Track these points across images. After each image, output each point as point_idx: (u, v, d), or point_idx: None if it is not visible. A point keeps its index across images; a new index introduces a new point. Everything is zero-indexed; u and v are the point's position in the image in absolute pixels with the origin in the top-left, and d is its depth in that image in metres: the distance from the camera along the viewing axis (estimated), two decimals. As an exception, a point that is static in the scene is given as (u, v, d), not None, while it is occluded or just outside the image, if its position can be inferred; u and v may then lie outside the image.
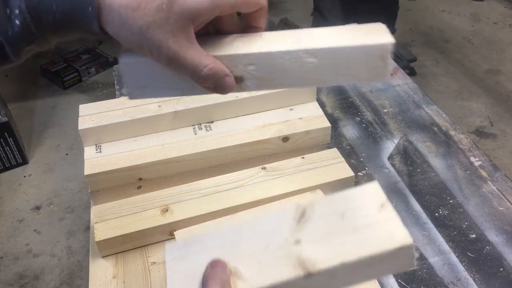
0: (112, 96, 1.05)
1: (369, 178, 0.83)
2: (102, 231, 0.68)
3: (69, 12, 0.35)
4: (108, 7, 0.35)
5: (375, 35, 0.43)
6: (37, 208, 1.80)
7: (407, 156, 0.88)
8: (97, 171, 0.71)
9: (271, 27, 2.86)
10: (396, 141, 0.91)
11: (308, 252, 0.42)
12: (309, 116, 0.81)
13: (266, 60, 0.42)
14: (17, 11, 0.35)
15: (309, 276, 0.40)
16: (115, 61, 2.56)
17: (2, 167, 1.94)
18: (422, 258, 0.70)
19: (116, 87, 1.09)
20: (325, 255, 0.41)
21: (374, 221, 0.44)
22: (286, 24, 2.69)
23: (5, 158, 1.92)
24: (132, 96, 0.44)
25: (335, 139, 0.92)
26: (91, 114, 0.77)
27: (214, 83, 0.39)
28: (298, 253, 0.42)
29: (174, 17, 0.35)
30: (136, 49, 0.38)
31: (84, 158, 0.73)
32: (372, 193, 0.47)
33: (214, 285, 0.38)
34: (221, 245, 0.43)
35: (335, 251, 0.42)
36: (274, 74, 0.42)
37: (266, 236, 0.43)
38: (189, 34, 0.37)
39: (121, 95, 1.05)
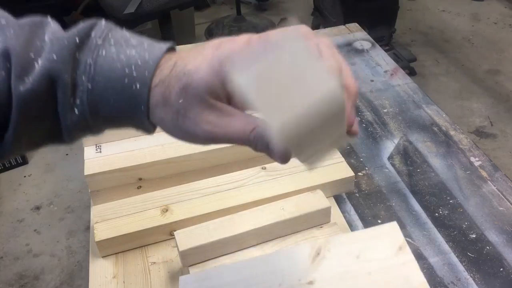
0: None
1: (369, 178, 0.83)
2: (102, 231, 0.68)
3: (125, 107, 0.36)
4: (154, 116, 0.36)
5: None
6: (37, 208, 1.80)
7: (407, 156, 0.88)
8: (97, 171, 0.71)
9: (271, 27, 2.86)
10: (396, 141, 0.91)
11: None
12: (309, 116, 0.81)
13: None
14: (78, 101, 0.36)
15: None
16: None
17: (2, 167, 1.95)
18: (422, 258, 0.70)
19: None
20: None
21: (390, 264, 0.43)
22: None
23: (5, 158, 1.92)
24: None
25: (335, 139, 0.92)
26: (91, 114, 0.77)
27: (266, 146, 0.34)
28: None
29: (193, 102, 0.35)
30: (190, 141, 0.37)
31: (84, 158, 0.73)
32: (390, 233, 0.46)
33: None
34: (234, 282, 0.42)
35: None
36: None
37: (280, 275, 0.42)
38: (221, 110, 0.35)
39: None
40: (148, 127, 0.38)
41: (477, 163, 0.85)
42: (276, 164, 0.78)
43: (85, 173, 0.71)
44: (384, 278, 0.41)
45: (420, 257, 0.70)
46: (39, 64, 0.34)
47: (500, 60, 2.53)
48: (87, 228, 1.52)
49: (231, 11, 3.08)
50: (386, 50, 1.59)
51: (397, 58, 2.30)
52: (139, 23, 1.95)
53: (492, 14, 2.95)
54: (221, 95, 0.35)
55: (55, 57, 0.34)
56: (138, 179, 0.73)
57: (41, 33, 0.36)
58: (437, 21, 2.90)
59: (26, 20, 0.37)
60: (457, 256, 0.70)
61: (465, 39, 2.72)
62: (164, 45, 0.37)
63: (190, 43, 1.21)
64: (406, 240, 0.72)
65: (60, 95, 0.35)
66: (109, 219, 0.70)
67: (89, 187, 0.72)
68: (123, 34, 0.37)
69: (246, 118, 0.35)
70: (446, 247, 0.71)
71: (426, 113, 0.98)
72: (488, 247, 0.71)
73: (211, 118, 0.35)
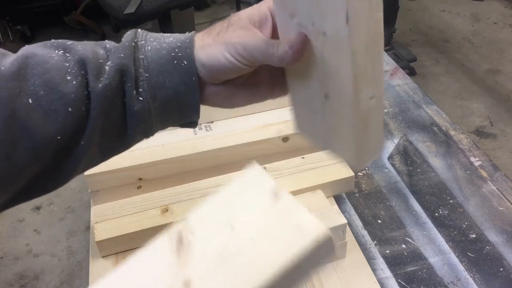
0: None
1: (369, 178, 0.83)
2: (102, 231, 0.68)
3: (178, 84, 0.43)
4: (196, 53, 0.43)
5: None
6: (37, 208, 1.80)
7: (407, 156, 0.88)
8: (97, 171, 0.71)
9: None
10: (396, 141, 0.91)
11: None
12: (309, 116, 0.81)
13: None
14: (141, 89, 0.42)
15: None
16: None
17: (2, 167, 1.94)
18: (422, 258, 0.70)
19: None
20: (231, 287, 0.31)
21: (272, 220, 0.34)
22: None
23: (5, 158, 1.93)
24: None
25: (335, 139, 0.92)
26: (91, 114, 0.77)
27: (284, 47, 0.40)
28: None
29: (234, 23, 0.42)
30: (219, 61, 0.42)
31: (84, 158, 0.73)
32: (257, 182, 0.37)
33: None
34: None
35: (239, 278, 0.31)
36: None
37: None
38: (254, 30, 0.42)
39: (121, 95, 1.05)
40: (196, 104, 0.44)
41: (477, 163, 0.85)
42: (276, 164, 0.78)
43: (85, 173, 0.71)
44: (272, 239, 0.33)
45: (420, 257, 0.70)
46: (110, 64, 0.41)
47: (500, 60, 2.53)
48: (87, 228, 1.52)
49: (231, 10, 3.08)
50: (386, 50, 1.59)
51: (397, 58, 2.30)
52: (139, 23, 1.95)
53: (492, 14, 2.94)
54: (256, 23, 0.42)
55: (122, 55, 0.42)
56: (138, 179, 0.73)
57: (100, 47, 0.43)
58: (437, 21, 2.90)
59: (85, 41, 0.44)
60: (457, 256, 0.70)
61: (465, 39, 2.72)
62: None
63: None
64: (406, 240, 0.73)
65: (127, 87, 0.42)
66: (109, 219, 0.70)
67: (89, 187, 0.72)
68: (158, 34, 0.45)
69: (269, 38, 0.42)
70: (446, 247, 0.71)
71: (426, 113, 0.98)
72: (488, 247, 0.71)
73: (247, 32, 0.41)
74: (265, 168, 0.76)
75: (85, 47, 0.42)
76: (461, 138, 0.91)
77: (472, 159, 0.86)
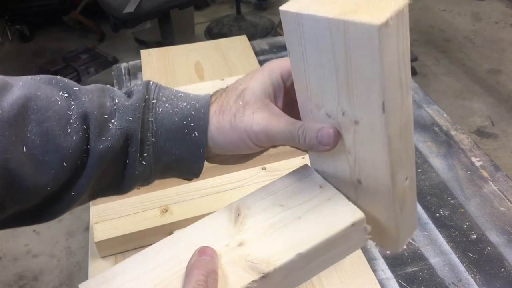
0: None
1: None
2: (101, 231, 0.68)
3: (185, 153, 0.42)
4: (210, 131, 0.42)
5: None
6: (37, 208, 1.80)
7: (408, 156, 0.87)
8: (96, 171, 0.70)
9: (271, 27, 2.86)
10: (396, 141, 0.91)
11: (257, 252, 0.38)
12: (309, 116, 0.80)
13: None
14: (145, 154, 0.41)
15: (265, 277, 0.36)
16: (114, 61, 2.55)
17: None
18: (423, 258, 0.70)
19: (116, 87, 1.09)
20: (276, 250, 0.37)
21: (317, 203, 0.40)
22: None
23: (5, 158, 1.92)
24: None
25: (336, 139, 0.92)
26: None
27: (313, 138, 0.39)
28: (245, 256, 0.37)
29: (250, 102, 0.41)
30: (237, 146, 0.42)
31: (83, 158, 0.73)
32: (307, 176, 0.43)
33: (198, 276, 0.35)
34: (156, 266, 0.38)
35: (286, 243, 0.38)
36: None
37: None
38: (274, 110, 0.41)
39: (121, 94, 1.05)
40: (199, 169, 0.44)
41: (478, 163, 0.85)
42: (276, 164, 0.77)
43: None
44: (316, 218, 0.39)
45: (421, 257, 0.70)
46: (115, 125, 0.40)
47: (501, 59, 2.53)
48: (86, 228, 1.52)
49: (231, 10, 3.08)
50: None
51: (397, 57, 2.29)
52: (138, 23, 1.95)
53: (493, 14, 2.94)
54: (271, 95, 0.42)
55: (130, 118, 0.40)
56: (138, 179, 0.73)
57: (108, 97, 0.41)
58: (438, 20, 2.90)
59: (92, 87, 0.42)
60: (458, 257, 0.69)
61: (466, 39, 2.72)
62: (206, 94, 0.44)
63: (190, 43, 1.21)
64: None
65: (131, 151, 0.41)
66: (109, 220, 0.69)
67: (88, 187, 0.72)
68: (170, 90, 0.44)
69: (290, 119, 0.40)
70: (447, 247, 0.71)
71: (427, 113, 0.98)
72: (489, 248, 0.70)
73: (266, 115, 0.40)
74: (265, 168, 0.76)
75: (92, 98, 0.40)
76: (462, 138, 0.91)
77: (473, 159, 0.86)
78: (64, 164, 0.38)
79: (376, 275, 0.66)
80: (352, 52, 0.32)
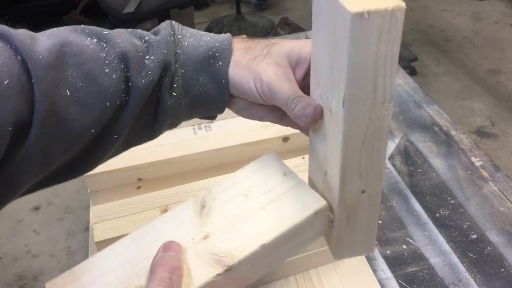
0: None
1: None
2: (101, 231, 0.68)
3: (210, 83, 0.43)
4: (233, 59, 0.44)
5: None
6: (36, 208, 1.80)
7: (408, 156, 0.87)
8: (96, 171, 0.70)
9: (271, 26, 2.86)
10: (396, 141, 0.91)
11: (221, 244, 0.38)
12: (309, 116, 0.80)
13: None
14: (175, 85, 0.43)
15: (229, 270, 0.36)
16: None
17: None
18: (423, 258, 0.70)
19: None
20: (240, 243, 0.38)
21: (281, 192, 0.41)
22: (286, 24, 2.68)
23: (5, 158, 1.92)
24: None
25: (336, 139, 0.92)
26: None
27: (300, 109, 0.40)
28: (210, 249, 0.38)
29: (272, 54, 0.42)
30: (243, 85, 0.43)
31: (83, 158, 0.73)
32: (270, 164, 0.44)
33: (162, 273, 0.35)
34: (123, 263, 0.38)
35: (250, 235, 0.38)
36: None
37: (168, 241, 0.38)
38: (287, 73, 0.42)
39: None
40: (223, 102, 0.45)
41: (478, 163, 0.85)
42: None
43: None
44: (279, 208, 0.40)
45: (421, 257, 0.70)
46: (152, 59, 0.41)
47: (502, 59, 2.53)
48: (86, 228, 1.52)
49: (231, 10, 3.08)
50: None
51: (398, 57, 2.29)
52: (138, 23, 1.95)
53: (493, 14, 2.94)
54: (293, 62, 0.43)
55: (165, 51, 0.42)
56: (138, 179, 0.73)
57: (137, 37, 0.42)
58: (438, 20, 2.90)
59: (120, 30, 0.43)
60: (458, 257, 0.69)
61: (466, 39, 2.72)
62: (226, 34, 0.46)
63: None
64: (407, 240, 0.72)
65: (165, 82, 0.42)
66: (109, 220, 0.69)
67: (88, 187, 0.72)
68: (192, 29, 0.46)
69: (297, 88, 0.41)
70: (447, 247, 0.71)
71: (427, 113, 0.98)
72: (489, 248, 0.70)
73: (278, 72, 0.41)
74: (265, 168, 0.76)
75: (123, 39, 0.41)
76: (462, 138, 0.91)
77: (473, 159, 0.86)
78: (107, 104, 0.39)
79: (376, 275, 0.66)
80: (336, 36, 0.32)
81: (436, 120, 0.96)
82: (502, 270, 0.67)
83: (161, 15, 1.92)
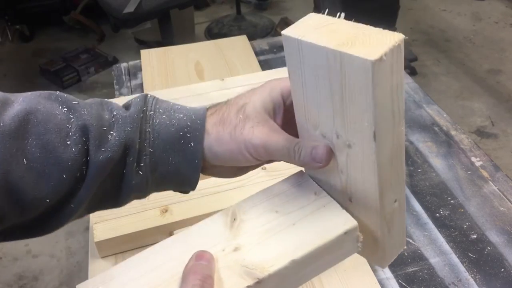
0: (112, 96, 1.05)
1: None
2: (101, 231, 0.68)
3: (181, 163, 0.43)
4: (209, 141, 0.43)
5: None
6: (37, 208, 1.80)
7: (408, 156, 0.87)
8: (96, 171, 0.70)
9: (271, 26, 2.86)
10: (396, 141, 0.91)
11: (251, 257, 0.38)
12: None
13: None
14: (142, 164, 0.42)
15: (260, 282, 0.37)
16: (114, 61, 2.55)
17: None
18: (423, 258, 0.70)
19: (116, 87, 1.09)
20: (271, 257, 0.38)
21: (311, 211, 0.42)
22: (286, 24, 2.68)
23: (5, 158, 1.92)
24: None
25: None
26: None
27: (307, 155, 0.40)
28: (241, 261, 0.38)
29: (250, 116, 0.42)
30: (234, 157, 0.42)
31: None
32: (302, 183, 0.45)
33: (195, 280, 0.35)
34: (154, 269, 0.38)
35: (280, 250, 0.39)
36: None
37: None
38: (273, 126, 0.42)
39: (120, 94, 1.05)
40: (194, 180, 0.44)
41: (478, 163, 0.85)
42: (276, 164, 0.77)
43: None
44: (310, 225, 0.40)
45: (421, 257, 0.70)
46: (114, 136, 0.40)
47: (501, 59, 2.53)
48: (86, 228, 1.51)
49: (231, 10, 3.08)
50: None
51: (397, 57, 2.29)
52: (138, 23, 1.95)
53: (493, 14, 2.94)
54: (271, 112, 0.43)
55: (129, 129, 0.41)
56: (137, 179, 0.73)
57: (106, 110, 0.42)
58: (438, 20, 2.90)
59: (91, 101, 0.43)
60: (458, 257, 0.69)
61: (466, 39, 2.72)
62: (202, 107, 0.45)
63: (190, 43, 1.21)
64: (407, 240, 0.72)
65: (129, 160, 0.41)
66: (109, 220, 0.69)
67: (88, 187, 0.72)
68: (167, 103, 0.45)
69: (289, 136, 0.41)
70: (447, 247, 0.71)
71: (427, 113, 0.98)
72: (489, 248, 0.70)
73: (265, 130, 0.41)
74: (265, 168, 0.76)
75: (90, 111, 0.41)
76: (462, 138, 0.91)
77: (473, 159, 0.86)
78: (64, 176, 0.38)
79: (376, 275, 0.66)
80: (347, 82, 0.33)
81: (436, 120, 0.96)
82: (502, 270, 0.67)
83: (161, 15, 1.92)
